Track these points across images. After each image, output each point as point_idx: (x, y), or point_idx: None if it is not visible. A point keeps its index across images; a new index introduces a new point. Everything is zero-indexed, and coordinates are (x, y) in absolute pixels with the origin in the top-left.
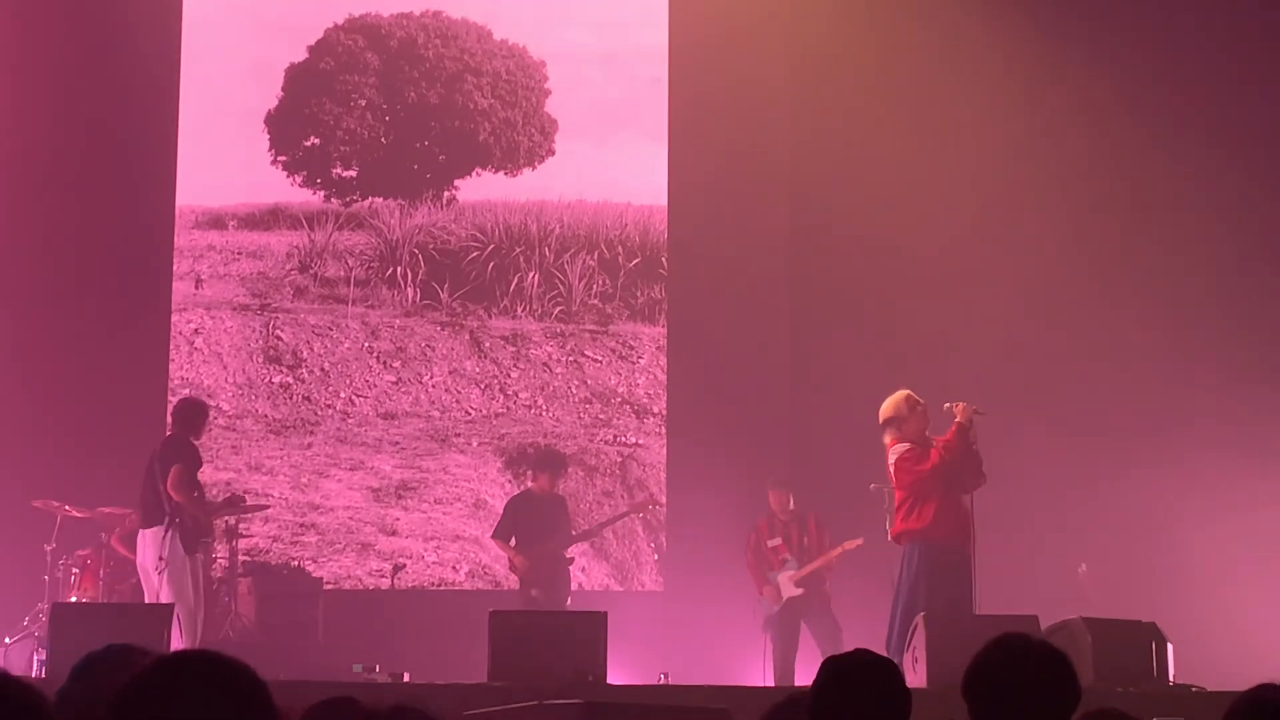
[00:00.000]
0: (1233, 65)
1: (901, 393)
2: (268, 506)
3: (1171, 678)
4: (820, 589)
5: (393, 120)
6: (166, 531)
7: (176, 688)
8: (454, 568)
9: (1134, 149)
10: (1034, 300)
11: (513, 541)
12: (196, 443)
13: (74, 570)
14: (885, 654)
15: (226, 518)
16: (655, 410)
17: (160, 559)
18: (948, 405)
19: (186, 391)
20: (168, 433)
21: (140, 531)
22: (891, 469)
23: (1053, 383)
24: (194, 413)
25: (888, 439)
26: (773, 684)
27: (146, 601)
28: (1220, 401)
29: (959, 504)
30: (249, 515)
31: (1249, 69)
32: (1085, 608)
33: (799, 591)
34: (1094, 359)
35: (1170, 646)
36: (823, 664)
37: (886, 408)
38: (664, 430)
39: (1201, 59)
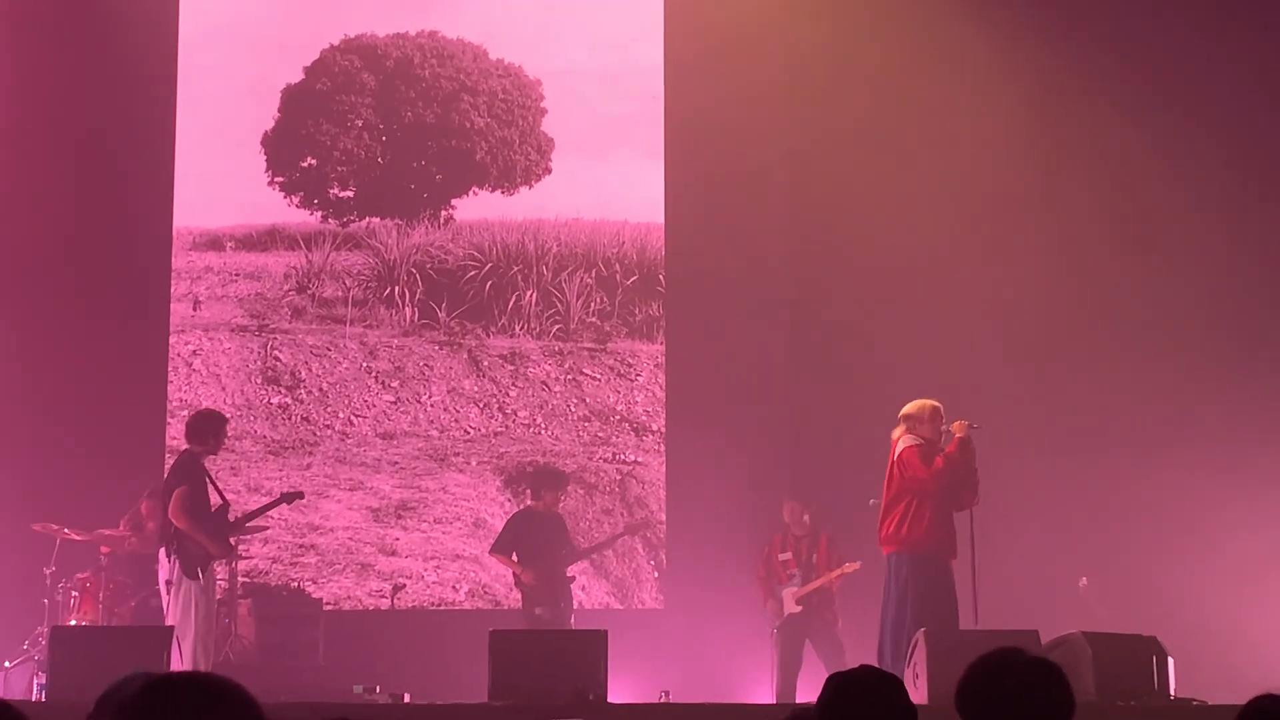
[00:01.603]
0: (1231, 71)
1: (932, 401)
2: (267, 527)
3: (1173, 692)
4: (826, 609)
5: (389, 140)
6: (169, 556)
7: (168, 710)
8: (454, 587)
9: (1137, 157)
10: (1035, 313)
11: (514, 557)
12: (213, 455)
13: (73, 593)
14: (879, 666)
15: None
16: (654, 428)
17: (167, 582)
18: (944, 428)
19: (185, 413)
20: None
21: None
22: (896, 461)
23: (1054, 396)
24: (204, 425)
25: (896, 434)
26: (774, 700)
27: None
28: (1223, 415)
29: (950, 519)
30: (248, 536)
31: (1247, 75)
32: (1086, 622)
33: (798, 609)
34: (1096, 372)
35: (1171, 660)
36: (827, 680)
37: (911, 406)
38: (663, 448)
39: (1200, 65)
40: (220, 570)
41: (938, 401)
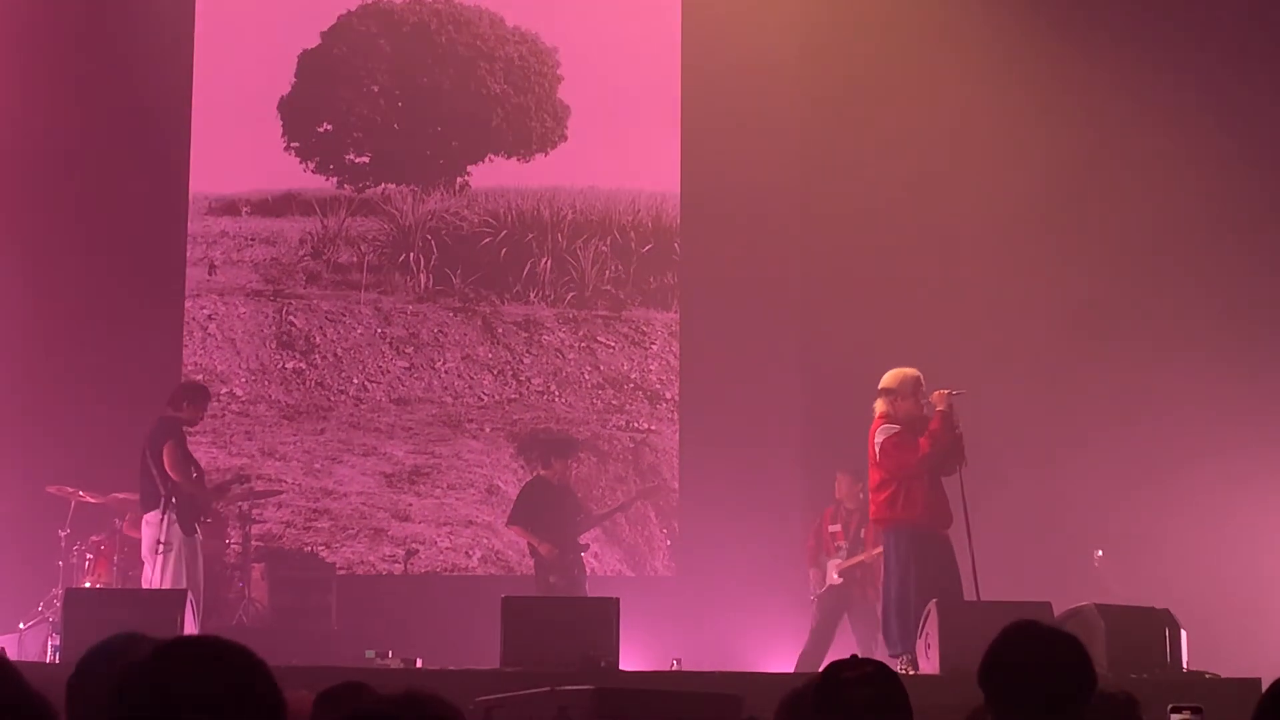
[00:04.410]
0: (1237, 64)
1: (911, 371)
2: (281, 492)
3: (1185, 664)
4: (870, 586)
5: (405, 106)
6: (164, 514)
7: (178, 672)
8: (467, 553)
9: (1137, 148)
10: (1046, 284)
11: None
12: (193, 426)
13: (88, 555)
14: (885, 642)
15: (240, 503)
16: (668, 396)
17: (159, 542)
18: (925, 400)
19: (200, 377)
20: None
21: (142, 517)
22: (876, 449)
23: (1073, 371)
24: (185, 395)
25: (878, 408)
26: (791, 669)
27: (142, 587)
28: (1241, 389)
29: (942, 489)
30: (262, 500)
31: (1255, 67)
32: (1101, 594)
33: (839, 581)
34: (1111, 346)
35: (1184, 633)
36: (823, 670)
37: (889, 378)
38: (676, 416)
39: (1209, 56)
40: (234, 534)
41: (918, 372)
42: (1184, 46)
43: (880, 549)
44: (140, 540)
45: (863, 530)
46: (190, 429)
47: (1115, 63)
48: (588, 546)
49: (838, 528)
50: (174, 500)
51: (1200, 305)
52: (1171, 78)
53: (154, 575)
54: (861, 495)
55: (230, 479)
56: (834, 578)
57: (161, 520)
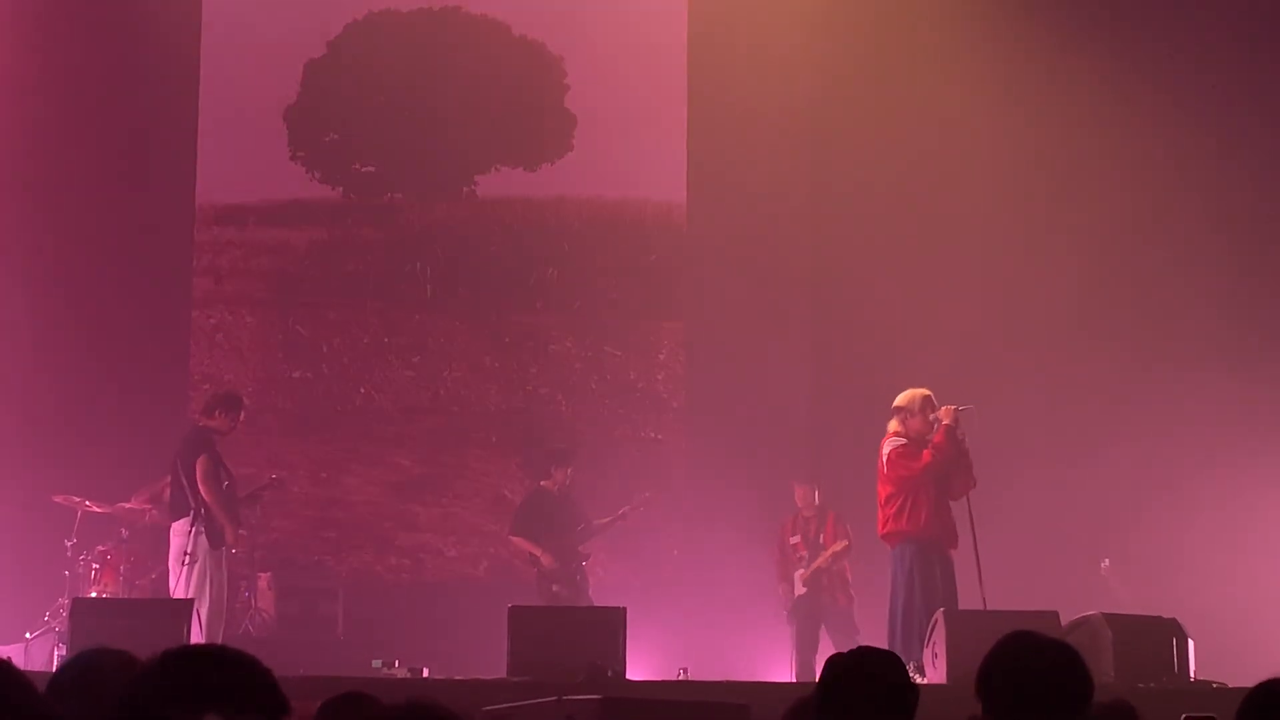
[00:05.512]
0: (1236, 62)
1: (923, 390)
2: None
3: (1193, 674)
4: (839, 591)
5: (412, 116)
6: (192, 525)
7: (184, 680)
8: (473, 563)
9: (1155, 152)
10: (1054, 295)
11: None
12: (225, 435)
13: (94, 565)
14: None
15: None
16: (675, 405)
17: (184, 553)
18: (932, 416)
19: (207, 387)
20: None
21: (171, 525)
22: (883, 461)
23: (1081, 380)
24: (218, 404)
25: (890, 426)
26: (794, 679)
27: (172, 594)
28: (1246, 397)
29: (948, 508)
30: (270, 511)
31: (1250, 72)
32: (1108, 603)
33: (804, 591)
34: (1120, 355)
35: (1191, 643)
36: (826, 661)
37: (902, 397)
38: (683, 424)
39: (1208, 57)
40: (241, 543)
41: (928, 391)
42: (1185, 48)
43: (835, 548)
44: (159, 531)
45: (821, 536)
46: (222, 437)
47: (1126, 73)
48: (589, 556)
49: (798, 539)
50: (202, 512)
51: (1211, 315)
52: (1180, 84)
53: (176, 586)
54: (817, 500)
55: (265, 484)
56: (800, 588)
57: (190, 531)
